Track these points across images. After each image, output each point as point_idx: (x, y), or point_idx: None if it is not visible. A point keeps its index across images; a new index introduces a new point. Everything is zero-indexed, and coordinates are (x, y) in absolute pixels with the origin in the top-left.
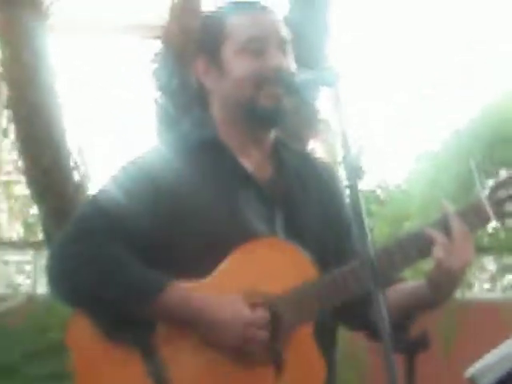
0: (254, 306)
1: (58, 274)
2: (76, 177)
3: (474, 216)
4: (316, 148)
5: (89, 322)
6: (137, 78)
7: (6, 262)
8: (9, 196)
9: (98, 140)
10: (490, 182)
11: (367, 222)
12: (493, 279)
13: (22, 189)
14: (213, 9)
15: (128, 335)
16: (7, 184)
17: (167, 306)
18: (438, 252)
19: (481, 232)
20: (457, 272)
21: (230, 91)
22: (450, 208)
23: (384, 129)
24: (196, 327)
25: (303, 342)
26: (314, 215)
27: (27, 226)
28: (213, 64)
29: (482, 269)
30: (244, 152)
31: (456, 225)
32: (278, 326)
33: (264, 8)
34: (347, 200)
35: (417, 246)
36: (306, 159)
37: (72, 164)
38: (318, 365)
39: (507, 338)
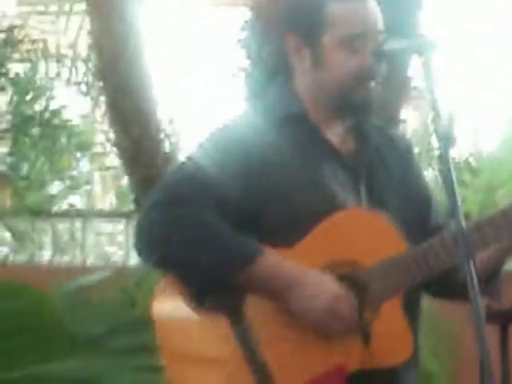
0: (341, 278)
1: (150, 240)
2: (166, 147)
3: None
4: (408, 115)
5: (173, 294)
6: (225, 45)
7: (99, 233)
8: (101, 167)
9: (189, 110)
10: None
11: (459, 191)
12: None
13: (114, 160)
14: None
15: (217, 302)
16: (99, 155)
17: (259, 275)
18: None
19: None
20: None
21: (326, 83)
22: None
23: (474, 96)
24: (285, 298)
25: (391, 313)
26: (394, 190)
27: (120, 197)
28: (308, 47)
29: None
30: (327, 126)
31: None
32: (365, 297)
33: None
34: (437, 170)
35: (496, 231)
36: (385, 134)
37: (162, 134)
38: (406, 337)
39: None
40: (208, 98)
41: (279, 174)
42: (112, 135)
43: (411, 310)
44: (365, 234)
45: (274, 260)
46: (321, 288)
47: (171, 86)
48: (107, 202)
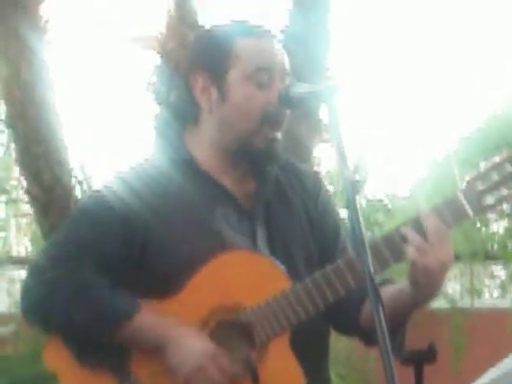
0: (225, 323)
1: (31, 302)
2: (78, 193)
3: (450, 212)
4: (326, 153)
5: (62, 349)
6: (137, 89)
7: (13, 280)
8: (17, 213)
9: (101, 155)
10: (467, 176)
11: (374, 232)
12: (503, 287)
13: (28, 206)
14: (215, 24)
15: (102, 359)
16: (14, 201)
17: (137, 332)
18: (411, 252)
19: (489, 240)
20: (435, 271)
21: (233, 118)
22: (424, 206)
23: (392, 138)
24: (163, 355)
25: (279, 352)
26: (297, 227)
27: (35, 243)
28: (215, 84)
29: (492, 276)
30: (221, 170)
31: (430, 223)
32: (251, 338)
33: (269, 34)
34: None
35: (392, 249)
36: (292, 168)
37: (74, 180)
38: (295, 374)
39: None
40: (120, 142)
41: (168, 225)
42: (23, 182)
43: (301, 347)
44: (247, 275)
45: (150, 317)
46: (192, 348)
47: (82, 131)
48: (22, 248)
